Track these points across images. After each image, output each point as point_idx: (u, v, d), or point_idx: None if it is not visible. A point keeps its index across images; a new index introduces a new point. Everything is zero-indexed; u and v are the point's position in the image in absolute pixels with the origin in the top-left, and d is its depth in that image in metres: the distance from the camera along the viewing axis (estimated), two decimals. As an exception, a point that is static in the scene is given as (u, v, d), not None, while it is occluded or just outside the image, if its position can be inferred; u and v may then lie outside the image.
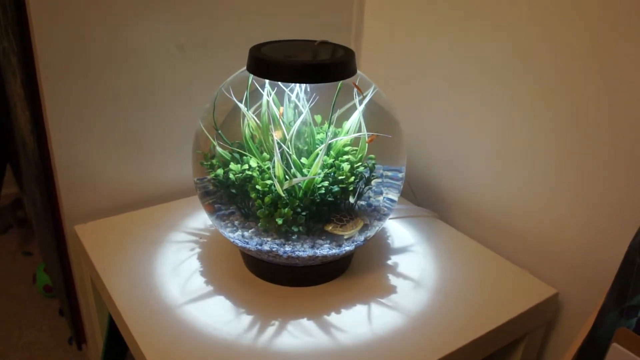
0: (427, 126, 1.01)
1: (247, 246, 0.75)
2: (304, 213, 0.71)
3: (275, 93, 0.74)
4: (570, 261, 0.83)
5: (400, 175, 0.81)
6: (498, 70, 0.86)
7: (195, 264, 0.83)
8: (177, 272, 0.81)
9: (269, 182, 0.71)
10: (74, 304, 1.12)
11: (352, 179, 0.72)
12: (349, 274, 0.83)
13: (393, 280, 0.82)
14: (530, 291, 0.81)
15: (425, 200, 1.06)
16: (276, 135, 0.73)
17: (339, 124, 0.76)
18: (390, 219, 0.97)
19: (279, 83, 0.74)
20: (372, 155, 0.77)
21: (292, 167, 0.72)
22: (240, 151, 0.76)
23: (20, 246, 1.86)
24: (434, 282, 0.81)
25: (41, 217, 1.13)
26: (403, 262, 0.86)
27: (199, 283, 0.79)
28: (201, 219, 0.95)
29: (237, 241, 0.76)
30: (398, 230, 0.95)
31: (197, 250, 0.87)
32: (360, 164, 0.75)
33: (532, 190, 0.86)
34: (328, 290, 0.79)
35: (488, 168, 0.92)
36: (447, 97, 0.96)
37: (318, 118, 0.78)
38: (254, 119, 0.75)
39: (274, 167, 0.71)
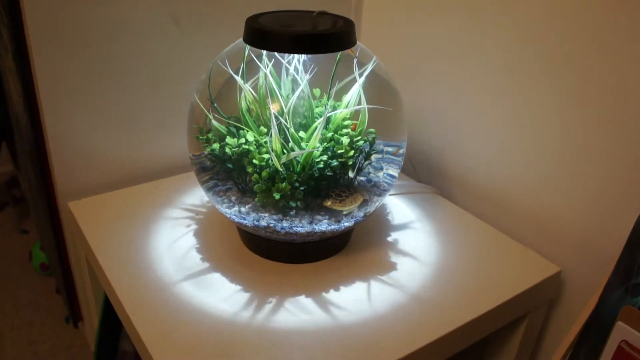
0: (428, 100, 0.99)
1: (244, 222, 0.73)
2: (302, 188, 0.69)
3: (272, 65, 0.72)
4: (573, 238, 0.81)
5: (401, 150, 0.79)
6: (501, 44, 0.84)
7: (191, 241, 0.82)
8: (173, 249, 0.80)
9: (266, 156, 0.69)
10: (69, 282, 1.11)
11: (351, 153, 0.70)
12: (348, 250, 0.81)
13: (393, 257, 0.80)
14: (533, 269, 0.79)
15: (425, 176, 1.04)
16: (273, 108, 0.71)
17: (338, 97, 0.74)
18: (390, 195, 0.95)
19: (277, 54, 0.72)
20: (373, 129, 0.75)
21: (290, 140, 0.70)
22: (237, 125, 0.74)
23: (16, 224, 1.84)
24: (434, 260, 0.80)
25: (35, 193, 1.11)
26: (403, 239, 0.84)
27: (195, 260, 0.78)
28: (197, 195, 0.93)
29: (234, 217, 0.74)
30: (398, 207, 0.93)
31: (193, 226, 0.85)
32: (359, 137, 0.73)
33: (535, 166, 0.84)
34: (327, 267, 0.78)
35: (490, 143, 0.90)
36: (449, 71, 0.93)
37: (317, 91, 0.76)
38: (250, 91, 0.72)
39: (271, 141, 0.69)
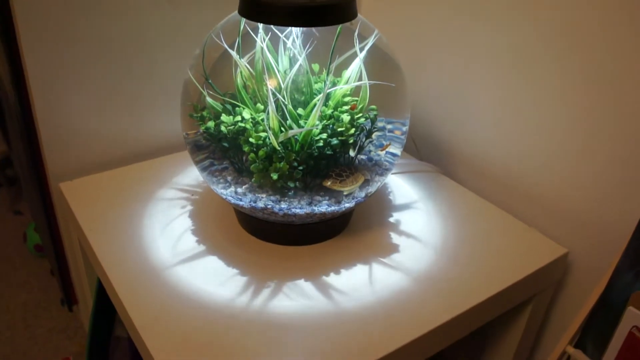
0: (431, 75, 0.95)
1: (241, 203, 0.70)
2: (300, 167, 0.67)
3: (269, 39, 0.69)
4: (579, 217, 0.79)
5: (404, 128, 0.76)
6: (505, 20, 0.80)
7: (186, 223, 0.79)
8: (167, 232, 0.77)
9: (263, 134, 0.66)
10: (63, 264, 1.09)
11: (352, 131, 0.67)
12: (348, 232, 0.79)
13: (395, 238, 0.78)
14: (540, 250, 0.77)
15: (428, 154, 1.01)
16: (270, 85, 0.68)
17: (338, 73, 0.71)
18: (392, 174, 0.92)
19: (274, 28, 0.68)
20: (374, 106, 0.72)
21: (288, 118, 0.66)
22: (233, 102, 0.71)
23: (11, 205, 1.82)
24: (438, 241, 0.77)
25: (27, 174, 1.08)
26: (405, 220, 0.82)
27: (190, 242, 0.75)
28: (192, 175, 0.90)
29: (230, 198, 0.71)
30: (400, 186, 0.90)
31: (189, 207, 0.82)
32: (361, 115, 0.69)
33: (540, 143, 0.81)
34: (326, 249, 0.75)
35: (494, 121, 0.87)
36: (453, 46, 0.90)
37: (315, 67, 0.73)
38: (246, 67, 0.69)
39: (268, 118, 0.66)
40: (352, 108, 0.69)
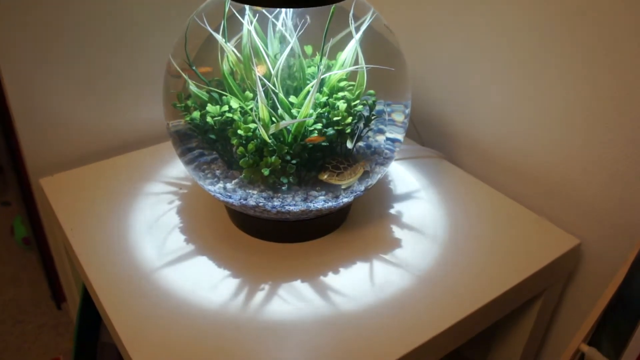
0: (432, 57, 0.90)
1: (230, 200, 0.65)
2: (294, 161, 0.61)
3: (257, 21, 0.63)
4: (589, 205, 0.74)
5: (406, 111, 0.70)
6: (512, 1, 0.74)
7: (174, 220, 0.74)
8: (154, 230, 0.72)
9: (252, 125, 0.61)
10: (48, 262, 1.04)
11: (349, 119, 0.62)
12: (346, 226, 0.74)
13: (397, 232, 0.73)
14: (551, 241, 0.72)
15: (430, 139, 0.96)
16: (259, 71, 0.62)
17: (333, 56, 0.65)
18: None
19: (262, 9, 0.63)
20: (372, 91, 0.66)
21: (279, 107, 0.61)
22: (219, 91, 0.65)
23: (-2, 196, 1.76)
24: (443, 234, 0.72)
25: (8, 167, 1.03)
26: (407, 211, 0.77)
27: (178, 242, 0.70)
28: (180, 167, 0.85)
29: (219, 195, 0.66)
30: (401, 174, 0.85)
31: (177, 202, 0.77)
32: (358, 101, 0.64)
33: (546, 127, 0.76)
34: (324, 245, 0.70)
35: (500, 102, 0.81)
36: (455, 27, 0.84)
37: (308, 49, 0.67)
38: (233, 52, 0.63)
39: (257, 108, 0.61)
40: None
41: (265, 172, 0.60)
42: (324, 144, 0.62)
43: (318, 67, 0.64)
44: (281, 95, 0.61)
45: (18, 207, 1.14)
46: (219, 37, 0.63)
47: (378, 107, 0.67)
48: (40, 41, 0.77)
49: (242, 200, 0.64)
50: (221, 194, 0.65)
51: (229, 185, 0.65)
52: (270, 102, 0.61)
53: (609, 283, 0.63)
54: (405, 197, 0.80)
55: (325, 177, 0.63)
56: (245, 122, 0.61)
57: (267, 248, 0.70)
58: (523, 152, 0.80)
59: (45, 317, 1.31)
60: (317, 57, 0.66)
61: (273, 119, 0.61)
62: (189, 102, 0.66)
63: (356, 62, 0.64)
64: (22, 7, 0.74)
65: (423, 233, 0.72)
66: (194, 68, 0.66)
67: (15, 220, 1.51)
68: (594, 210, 0.73)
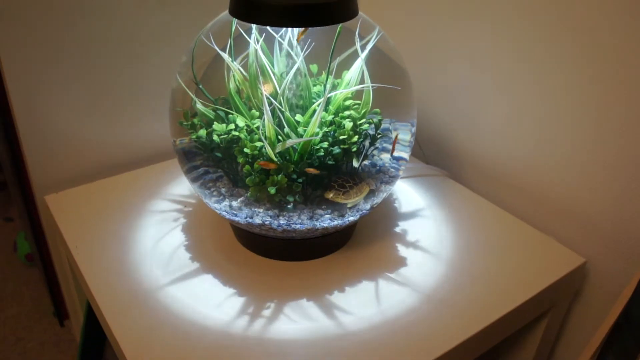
0: (436, 75, 0.90)
1: (236, 219, 0.65)
2: (300, 180, 0.61)
3: (263, 40, 0.63)
4: (596, 224, 0.73)
5: (413, 129, 0.70)
6: (510, 18, 0.75)
7: (179, 238, 0.74)
8: (159, 248, 0.72)
9: (258, 144, 0.61)
10: (52, 278, 1.03)
11: (355, 138, 0.62)
12: (352, 244, 0.74)
13: (402, 250, 0.73)
14: (557, 260, 0.72)
15: (434, 157, 0.96)
16: (266, 90, 0.63)
17: (338, 75, 0.66)
18: (396, 179, 0.87)
19: (268, 28, 0.63)
20: (378, 110, 0.67)
21: (286, 126, 0.61)
22: (225, 109, 0.66)
23: (1, 212, 1.76)
24: (448, 252, 0.72)
25: (12, 183, 1.03)
26: (413, 229, 0.77)
27: (183, 259, 0.70)
28: (186, 184, 0.85)
29: (225, 213, 0.66)
30: (406, 192, 0.85)
31: (182, 220, 0.77)
32: (364, 120, 0.64)
33: (552, 146, 0.76)
34: (329, 264, 0.70)
35: (505, 121, 0.81)
36: (459, 45, 0.84)
37: (314, 68, 0.68)
38: (240, 70, 0.64)
39: (264, 126, 0.61)
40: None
41: (272, 190, 0.60)
42: (329, 162, 0.62)
43: (324, 86, 0.64)
44: (287, 113, 0.61)
45: (22, 223, 1.14)
46: (225, 55, 0.63)
47: (384, 125, 0.68)
48: (46, 58, 0.78)
49: (248, 219, 0.64)
50: (227, 212, 0.65)
51: (234, 204, 0.65)
52: (277, 120, 0.61)
53: (615, 302, 0.62)
54: (411, 215, 0.80)
55: (331, 195, 0.64)
56: (252, 141, 0.62)
57: (272, 266, 0.69)
58: (528, 171, 0.80)
59: (47, 334, 1.30)
60: (323, 76, 0.66)
61: (279, 137, 0.61)
62: (195, 120, 0.66)
63: (362, 81, 0.64)
64: (29, 25, 0.75)
65: (428, 251, 0.72)
66: (200, 86, 0.66)
67: (19, 237, 1.51)
68: (600, 228, 0.73)
